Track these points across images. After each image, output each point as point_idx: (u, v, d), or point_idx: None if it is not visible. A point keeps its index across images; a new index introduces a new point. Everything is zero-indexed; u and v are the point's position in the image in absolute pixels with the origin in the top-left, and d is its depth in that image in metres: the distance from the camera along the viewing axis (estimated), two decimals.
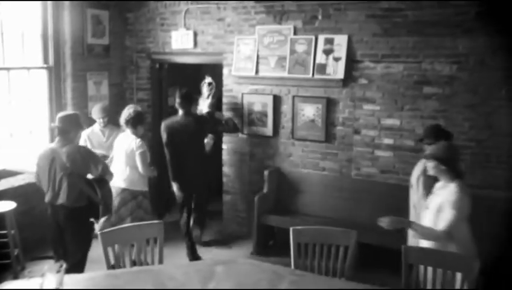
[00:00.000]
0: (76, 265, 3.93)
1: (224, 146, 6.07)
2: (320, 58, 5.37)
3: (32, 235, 5.15)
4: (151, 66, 6.44)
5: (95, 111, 5.34)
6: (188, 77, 6.91)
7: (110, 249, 3.07)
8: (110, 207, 4.29)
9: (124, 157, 4.75)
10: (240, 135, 5.93)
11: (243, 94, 5.83)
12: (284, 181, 5.68)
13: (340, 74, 5.26)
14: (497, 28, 4.59)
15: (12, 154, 5.24)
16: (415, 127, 5.08)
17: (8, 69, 5.13)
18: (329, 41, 5.33)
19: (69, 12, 5.58)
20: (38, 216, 5.33)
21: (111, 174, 4.27)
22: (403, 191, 4.52)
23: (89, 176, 4.18)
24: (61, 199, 3.99)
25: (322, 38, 5.37)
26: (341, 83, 5.31)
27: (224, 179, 6.13)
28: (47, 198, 4.11)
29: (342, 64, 5.26)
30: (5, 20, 5.06)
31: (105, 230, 3.17)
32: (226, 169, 6.11)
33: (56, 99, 5.64)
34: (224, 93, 5.98)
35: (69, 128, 4.06)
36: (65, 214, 4.02)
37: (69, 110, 5.21)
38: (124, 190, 4.74)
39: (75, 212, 4.02)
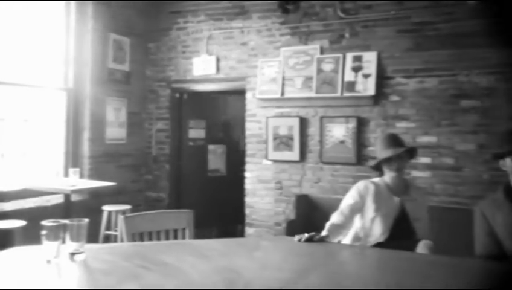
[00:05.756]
0: None
1: (247, 174, 5.71)
2: (349, 75, 5.17)
3: None
4: (171, 95, 6.25)
5: None
6: (208, 107, 6.66)
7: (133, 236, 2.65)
8: None
9: None
10: (264, 161, 5.60)
11: (267, 118, 5.57)
12: (314, 208, 5.24)
13: (371, 91, 5.03)
14: None
15: (26, 174, 4.91)
16: (455, 144, 4.76)
17: (24, 86, 4.92)
18: (357, 59, 5.15)
19: (91, 35, 5.48)
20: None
21: None
22: (443, 213, 4.15)
23: None
24: None
25: (350, 56, 5.20)
26: (372, 100, 5.07)
27: (247, 211, 5.71)
28: None
29: (372, 81, 5.04)
30: (27, 37, 4.94)
31: (128, 215, 2.78)
32: (248, 199, 5.70)
33: (73, 121, 5.39)
34: (247, 118, 5.73)
35: None
36: None
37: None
38: None
39: None
